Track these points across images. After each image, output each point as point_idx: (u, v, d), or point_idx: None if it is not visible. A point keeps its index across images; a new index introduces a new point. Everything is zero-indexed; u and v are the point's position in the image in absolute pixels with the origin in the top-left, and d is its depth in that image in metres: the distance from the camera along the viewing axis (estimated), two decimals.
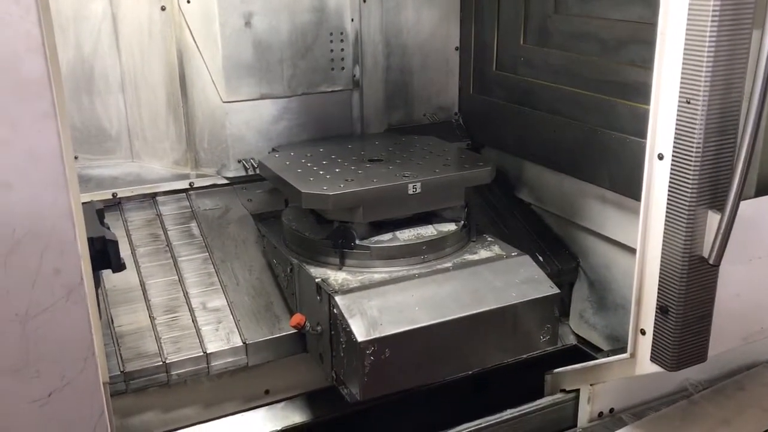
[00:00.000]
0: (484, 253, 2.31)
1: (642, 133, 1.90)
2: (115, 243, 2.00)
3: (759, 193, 1.96)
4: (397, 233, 2.24)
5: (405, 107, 3.16)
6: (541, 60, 2.79)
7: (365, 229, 2.23)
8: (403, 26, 3.05)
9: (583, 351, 2.86)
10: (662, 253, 1.86)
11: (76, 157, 2.67)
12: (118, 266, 2.04)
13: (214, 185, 2.78)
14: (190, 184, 2.74)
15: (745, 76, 1.71)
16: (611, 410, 2.34)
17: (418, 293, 2.09)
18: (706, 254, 1.80)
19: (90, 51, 2.65)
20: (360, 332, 1.92)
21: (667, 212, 1.82)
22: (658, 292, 1.90)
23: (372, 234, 2.23)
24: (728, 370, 2.50)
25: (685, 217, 1.78)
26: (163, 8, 2.64)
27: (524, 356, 2.76)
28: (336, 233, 2.22)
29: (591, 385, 2.29)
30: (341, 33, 2.87)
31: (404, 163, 2.40)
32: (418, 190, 2.22)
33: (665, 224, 1.84)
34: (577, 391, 2.33)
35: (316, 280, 2.12)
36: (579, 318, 2.91)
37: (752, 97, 1.65)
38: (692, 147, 1.72)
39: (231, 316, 2.31)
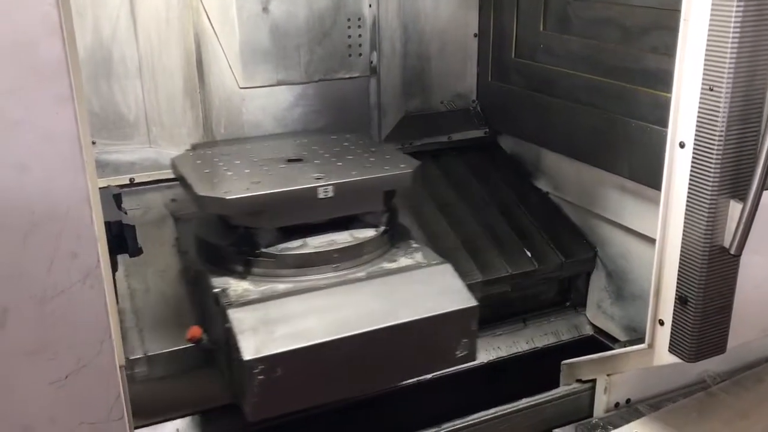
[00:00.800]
0: (404, 261, 2.13)
1: (663, 121, 1.88)
2: (132, 227, 2.00)
3: None
4: (309, 240, 2.08)
5: (422, 94, 3.13)
6: (560, 47, 2.75)
7: (273, 235, 2.06)
8: (421, 12, 3.02)
9: (599, 341, 2.85)
10: (682, 242, 1.84)
11: (93, 142, 2.68)
12: (135, 251, 2.05)
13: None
14: None
15: None
16: (628, 401, 2.32)
17: (321, 305, 1.93)
18: (727, 244, 1.78)
19: (108, 36, 2.66)
20: (248, 349, 1.76)
21: (687, 201, 1.80)
22: (678, 283, 1.88)
23: (281, 240, 2.06)
24: (748, 361, 2.47)
25: (707, 206, 1.75)
26: None
27: (538, 347, 2.80)
28: (240, 239, 2.05)
29: (608, 375, 2.27)
30: (359, 19, 2.85)
31: (323, 165, 2.21)
32: (330, 194, 2.03)
33: (686, 213, 1.81)
34: (594, 381, 2.32)
35: (215, 290, 1.96)
36: (596, 308, 2.89)
37: None
38: (714, 135, 1.70)
39: (135, 325, 2.15)
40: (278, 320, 1.85)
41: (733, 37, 1.61)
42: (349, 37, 2.85)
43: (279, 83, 2.78)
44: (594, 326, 2.91)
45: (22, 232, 1.23)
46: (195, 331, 2.02)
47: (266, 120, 2.80)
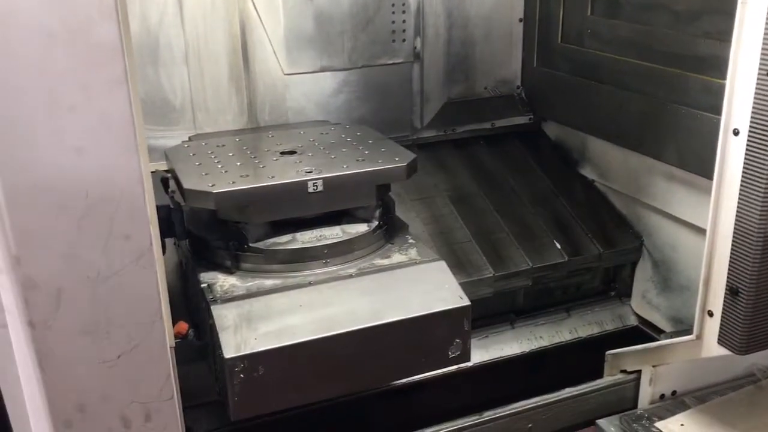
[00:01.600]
0: (397, 258, 2.07)
1: (714, 108, 1.83)
2: (179, 212, 2.04)
3: None
4: (298, 235, 2.03)
5: (466, 80, 3.11)
6: (609, 32, 2.70)
7: (262, 230, 2.02)
8: None
9: (644, 332, 2.81)
10: (734, 232, 1.79)
11: None
12: (183, 234, 2.09)
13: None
14: None
15: None
16: (674, 393, 2.28)
17: (308, 302, 1.87)
18: None
19: (155, 22, 2.68)
20: (228, 347, 1.71)
21: (741, 190, 1.75)
22: (729, 273, 1.84)
23: (271, 235, 2.02)
24: None
25: (761, 194, 1.70)
26: None
27: (581, 337, 2.76)
28: (229, 234, 2.01)
29: (653, 366, 2.24)
30: (403, 4, 2.84)
31: (316, 157, 2.16)
32: (320, 188, 1.98)
33: (738, 202, 1.76)
34: (639, 372, 2.29)
35: (201, 285, 1.93)
36: (641, 298, 2.84)
37: None
38: None
39: None
40: (263, 317, 1.81)
41: None
42: (393, 22, 2.84)
43: (323, 69, 2.78)
44: (639, 317, 2.86)
45: (77, 214, 1.26)
46: (181, 326, 1.98)
47: (309, 106, 2.81)
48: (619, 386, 2.31)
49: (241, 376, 1.70)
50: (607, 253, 2.69)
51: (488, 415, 2.20)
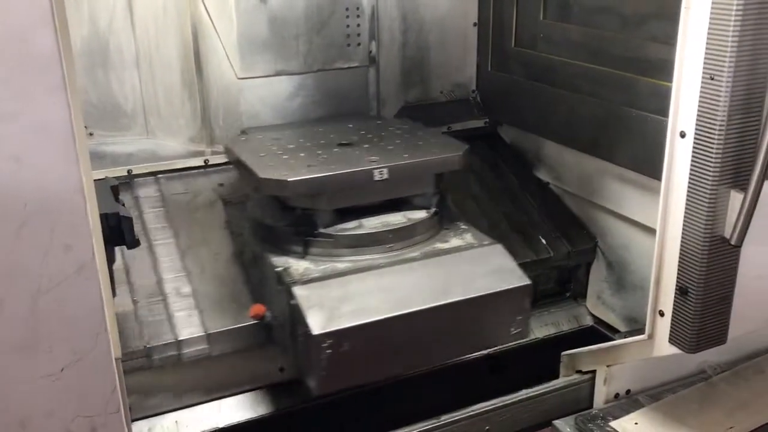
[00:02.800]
0: (455, 242, 2.20)
1: (663, 110, 1.86)
2: (129, 219, 2.00)
3: None
4: (364, 221, 2.15)
5: (422, 84, 3.11)
6: (561, 36, 2.73)
7: (330, 217, 2.13)
8: (421, 1, 2.99)
9: (599, 332, 2.84)
10: (683, 233, 1.83)
11: (91, 134, 2.67)
12: (133, 243, 2.04)
13: (230, 163, 2.75)
14: (204, 162, 2.72)
15: None
16: (628, 392, 2.31)
17: (381, 284, 2.00)
18: (727, 235, 1.76)
19: (105, 26, 2.64)
20: (316, 324, 1.84)
21: (688, 191, 1.78)
22: (678, 273, 1.87)
23: (337, 221, 2.13)
24: (748, 352, 2.46)
25: (707, 196, 1.74)
26: None
27: (538, 338, 2.79)
28: (298, 220, 2.12)
29: (608, 366, 2.26)
30: (357, 8, 2.83)
31: (374, 148, 2.28)
32: (385, 176, 2.10)
33: (686, 204, 1.80)
34: (594, 372, 2.31)
35: (277, 269, 2.04)
36: (596, 299, 2.88)
37: None
38: (715, 125, 1.68)
39: (195, 304, 2.23)
40: (341, 297, 1.93)
41: (735, 26, 1.60)
42: (348, 26, 2.83)
43: (277, 73, 2.76)
44: (594, 317, 2.90)
45: (15, 224, 1.23)
46: (258, 308, 2.13)
47: (264, 111, 2.79)
48: (574, 386, 2.33)
49: (328, 351, 1.82)
50: (561, 254, 2.71)
51: (446, 418, 2.20)
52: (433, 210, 2.24)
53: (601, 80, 2.53)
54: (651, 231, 2.03)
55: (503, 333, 2.09)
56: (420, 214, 2.21)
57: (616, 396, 2.30)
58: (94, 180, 1.39)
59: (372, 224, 2.14)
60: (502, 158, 3.09)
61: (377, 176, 2.10)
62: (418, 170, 2.19)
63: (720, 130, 1.68)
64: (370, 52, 2.91)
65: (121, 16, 2.64)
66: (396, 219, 2.17)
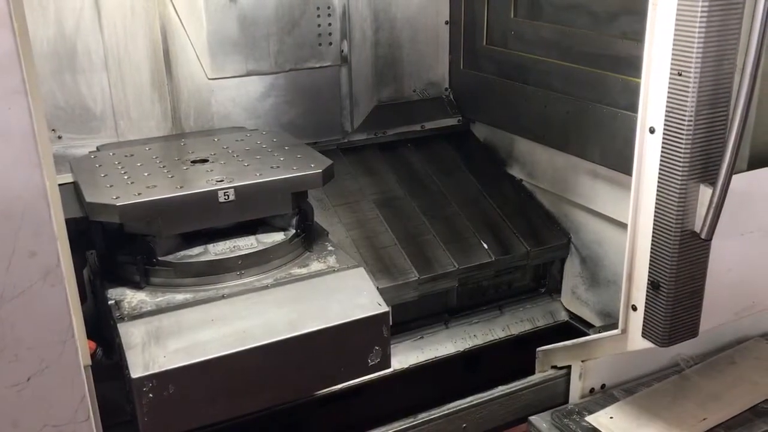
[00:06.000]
0: (315, 266, 2.04)
1: (633, 106, 1.87)
2: (99, 224, 1.98)
3: (751, 166, 1.93)
4: (211, 246, 1.98)
5: (395, 83, 3.11)
6: (531, 33, 2.74)
7: (172, 243, 1.96)
8: (392, 0, 2.99)
9: (575, 327, 2.86)
10: (653, 228, 1.84)
11: (60, 137, 2.62)
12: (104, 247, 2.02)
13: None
14: None
15: (737, 48, 1.67)
16: (603, 386, 2.33)
17: (221, 316, 1.81)
18: (697, 229, 1.78)
19: (72, 28, 2.59)
20: (136, 366, 1.64)
21: (658, 187, 1.80)
22: (650, 268, 1.88)
23: (182, 247, 1.96)
24: (720, 344, 2.49)
25: (677, 191, 1.75)
26: None
27: (514, 334, 2.80)
28: (136, 247, 1.93)
29: (582, 361, 2.28)
30: (328, 7, 2.82)
31: (229, 165, 2.10)
32: (231, 198, 1.92)
33: (656, 199, 1.81)
34: (569, 367, 2.33)
35: (109, 301, 1.86)
36: (571, 294, 2.90)
37: (744, 70, 1.62)
38: (684, 120, 1.69)
39: None
40: (172, 333, 1.75)
41: (701, 22, 1.61)
42: (319, 26, 2.82)
43: (249, 74, 2.74)
44: (569, 312, 2.92)
45: None
46: (89, 345, 1.85)
47: (236, 111, 2.77)
48: (550, 382, 2.35)
49: (150, 395, 1.63)
50: (535, 251, 2.73)
51: (423, 417, 2.20)
52: (292, 232, 2.08)
53: (571, 77, 2.54)
54: (623, 226, 2.04)
55: (360, 365, 1.91)
56: (275, 237, 2.04)
57: (592, 391, 2.32)
58: (63, 184, 1.36)
59: (219, 250, 1.97)
60: (475, 155, 3.10)
61: (222, 198, 1.92)
62: (270, 190, 1.99)
63: (688, 125, 1.69)
64: (342, 51, 2.90)
65: (88, 17, 2.60)
66: (247, 243, 2.00)
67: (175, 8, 2.62)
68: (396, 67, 3.09)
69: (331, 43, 2.86)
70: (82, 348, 1.36)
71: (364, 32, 2.95)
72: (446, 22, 3.11)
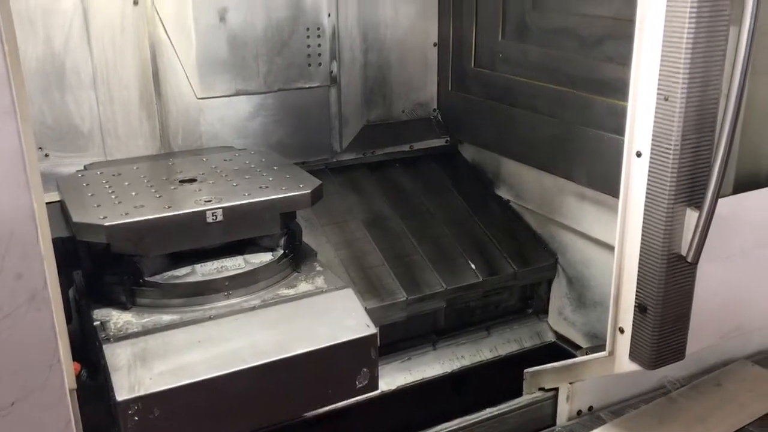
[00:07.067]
0: (303, 287, 2.02)
1: (620, 130, 1.89)
2: (86, 244, 1.96)
3: (737, 190, 1.95)
4: (198, 266, 1.96)
5: (383, 103, 3.12)
6: (519, 56, 2.77)
7: (160, 263, 1.94)
8: (381, 22, 3.01)
9: (561, 348, 2.86)
10: (640, 251, 1.85)
11: (46, 155, 2.61)
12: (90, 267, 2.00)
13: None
14: None
15: (723, 74, 1.70)
16: (590, 408, 2.33)
17: (208, 338, 1.80)
18: (684, 252, 1.80)
19: (60, 46, 2.58)
20: (121, 389, 1.62)
21: (645, 210, 1.81)
22: (637, 291, 1.89)
23: (169, 267, 1.94)
24: (706, 366, 2.50)
25: (663, 214, 1.77)
26: (135, 3, 2.58)
27: (501, 355, 2.79)
28: (122, 267, 1.91)
29: (570, 383, 2.27)
30: (318, 28, 2.84)
31: (217, 185, 2.10)
32: (219, 218, 1.91)
33: (643, 222, 1.82)
34: (556, 389, 2.32)
35: (95, 322, 1.84)
36: (558, 315, 2.90)
37: (730, 95, 1.65)
38: (670, 145, 1.71)
39: None
40: (159, 355, 1.73)
41: (687, 48, 1.63)
42: (309, 46, 2.83)
43: (237, 93, 2.75)
44: (556, 333, 2.92)
45: None
46: (74, 366, 1.84)
47: (224, 130, 2.77)
48: (538, 404, 2.34)
49: (136, 418, 1.61)
50: (522, 271, 2.73)
51: None
52: (280, 252, 2.06)
53: (559, 100, 2.56)
54: (610, 247, 2.05)
55: (348, 387, 1.89)
56: (263, 258, 2.03)
57: (579, 413, 2.32)
58: (49, 203, 1.35)
59: (206, 270, 1.95)
60: (463, 176, 3.11)
61: (210, 218, 1.91)
62: (258, 210, 1.98)
63: (675, 149, 1.71)
64: (332, 71, 2.91)
65: (77, 35, 2.59)
66: (235, 264, 1.98)
67: (164, 27, 2.62)
68: (385, 88, 3.10)
69: (320, 64, 2.87)
70: (68, 371, 1.34)
71: (353, 53, 2.97)
72: (434, 44, 3.14)
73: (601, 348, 2.07)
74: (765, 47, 1.86)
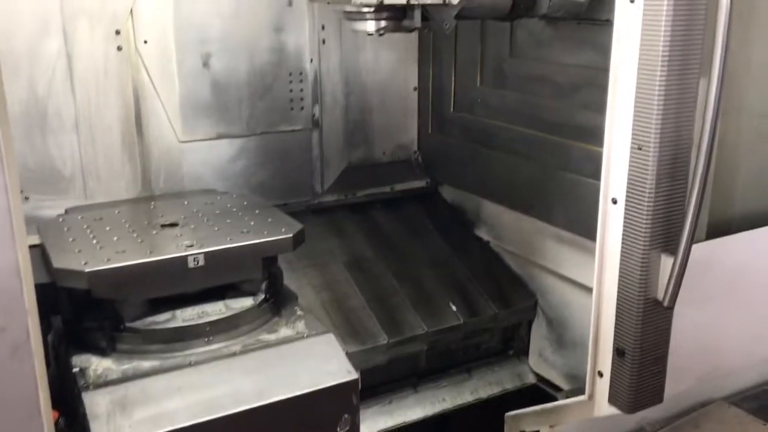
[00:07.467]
0: (284, 332, 2.03)
1: (597, 174, 1.93)
2: (66, 290, 1.95)
3: (710, 236, 2.00)
4: (179, 312, 1.96)
5: (365, 146, 3.16)
6: (497, 101, 2.83)
7: (141, 308, 1.94)
8: (362, 67, 3.06)
9: (542, 390, 2.87)
10: (618, 295, 1.88)
11: (27, 198, 2.60)
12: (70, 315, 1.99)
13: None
14: None
15: (694, 123, 1.75)
16: None
17: (188, 384, 1.80)
18: (660, 297, 1.82)
19: (44, 90, 2.60)
20: None
21: (621, 256, 1.84)
22: (615, 334, 1.91)
23: (149, 313, 1.94)
24: (684, 407, 2.51)
25: (639, 260, 1.80)
26: (119, 48, 2.60)
27: (482, 398, 2.79)
28: (102, 313, 1.91)
29: (551, 426, 2.28)
30: (300, 73, 2.88)
31: (199, 229, 2.10)
32: (200, 263, 1.92)
33: (620, 267, 1.85)
34: None
35: (74, 369, 1.83)
36: (538, 356, 2.92)
37: (701, 144, 1.69)
38: (645, 192, 1.75)
39: None
40: (138, 402, 1.72)
41: (659, 99, 1.68)
42: (291, 91, 2.87)
43: (220, 137, 2.77)
44: (537, 375, 2.93)
45: None
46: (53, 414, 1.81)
47: (207, 173, 2.78)
48: None
49: None
50: (503, 313, 2.75)
51: None
52: (261, 297, 2.07)
53: (536, 144, 2.62)
54: (588, 289, 2.08)
55: None
56: (244, 303, 2.03)
57: None
58: (30, 246, 1.34)
59: (187, 315, 1.95)
60: (443, 217, 3.14)
61: (191, 263, 1.91)
62: (240, 255, 1.99)
63: (649, 197, 1.75)
64: (314, 115, 2.95)
65: (60, 79, 2.61)
66: (215, 309, 1.99)
67: (147, 71, 2.65)
68: (366, 131, 3.15)
69: (302, 108, 2.91)
70: (48, 423, 1.33)
71: (335, 96, 3.01)
72: (415, 89, 3.20)
73: (581, 391, 2.09)
74: (734, 89, 1.92)
